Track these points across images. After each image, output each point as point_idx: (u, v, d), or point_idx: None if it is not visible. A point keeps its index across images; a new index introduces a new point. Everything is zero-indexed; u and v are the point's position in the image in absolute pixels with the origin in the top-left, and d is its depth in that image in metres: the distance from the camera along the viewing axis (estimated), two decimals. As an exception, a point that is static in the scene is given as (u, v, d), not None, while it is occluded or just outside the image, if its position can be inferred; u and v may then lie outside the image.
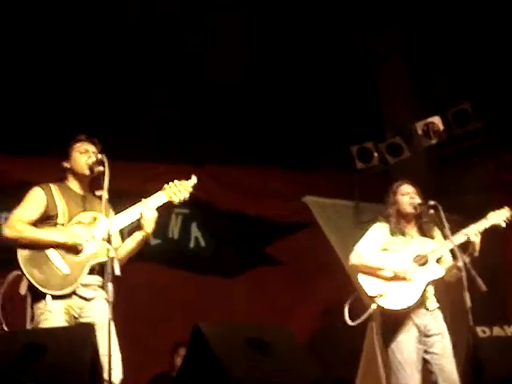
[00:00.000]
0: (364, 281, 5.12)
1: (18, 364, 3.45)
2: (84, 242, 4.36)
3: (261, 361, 3.71)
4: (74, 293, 4.32)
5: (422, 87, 8.13)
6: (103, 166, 4.37)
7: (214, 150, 7.47)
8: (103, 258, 4.17)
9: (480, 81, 7.77)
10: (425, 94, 8.07)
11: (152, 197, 4.50)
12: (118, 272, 4.26)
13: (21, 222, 4.37)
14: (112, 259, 4.11)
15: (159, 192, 4.52)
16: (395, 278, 5.08)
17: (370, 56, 8.42)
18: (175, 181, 4.56)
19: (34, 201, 4.45)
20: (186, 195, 4.54)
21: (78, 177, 4.57)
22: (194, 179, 4.60)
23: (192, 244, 8.60)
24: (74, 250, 4.35)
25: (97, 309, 4.28)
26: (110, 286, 4.06)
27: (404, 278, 5.05)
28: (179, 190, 4.52)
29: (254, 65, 8.19)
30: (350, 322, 5.10)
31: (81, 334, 3.74)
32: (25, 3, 7.18)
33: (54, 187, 4.52)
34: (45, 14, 7.31)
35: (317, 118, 8.29)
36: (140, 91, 7.84)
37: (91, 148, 4.57)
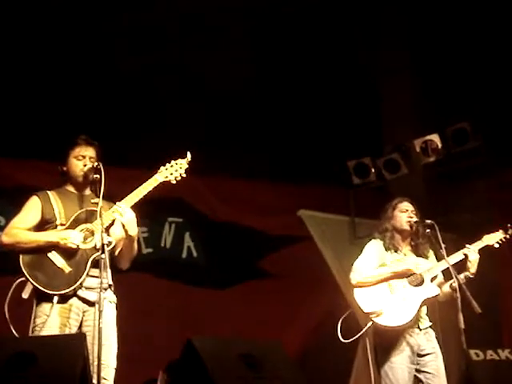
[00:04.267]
0: (359, 297, 5.09)
1: (6, 372, 3.40)
2: (75, 245, 4.34)
3: (252, 377, 3.67)
4: (77, 295, 4.32)
5: (423, 105, 8.13)
6: (99, 173, 4.37)
7: (210, 161, 7.43)
8: (102, 255, 4.14)
9: (480, 100, 7.77)
10: (425, 112, 8.07)
11: (146, 183, 4.49)
12: (110, 281, 4.30)
13: (16, 228, 4.46)
14: (105, 268, 4.13)
15: (155, 175, 4.51)
16: (400, 275, 5.06)
17: (374, 71, 8.43)
18: (171, 161, 4.57)
19: (30, 208, 4.53)
20: (183, 172, 4.54)
21: (75, 180, 4.58)
22: (188, 156, 4.59)
23: (184, 254, 8.54)
24: (69, 251, 4.35)
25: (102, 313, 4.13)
26: (101, 295, 4.07)
27: (409, 273, 5.02)
28: (175, 170, 4.54)
29: (253, 75, 8.20)
30: (342, 340, 5.07)
31: (72, 343, 3.69)
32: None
33: (50, 193, 4.58)
34: (44, 18, 7.33)
35: (315, 132, 8.28)
36: (141, 98, 7.83)
37: (89, 152, 4.57)
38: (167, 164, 4.56)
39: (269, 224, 8.48)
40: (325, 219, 7.91)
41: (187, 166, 4.56)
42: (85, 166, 4.50)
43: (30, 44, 7.37)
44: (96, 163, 4.45)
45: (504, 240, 5.16)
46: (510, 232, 5.16)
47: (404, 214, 5.26)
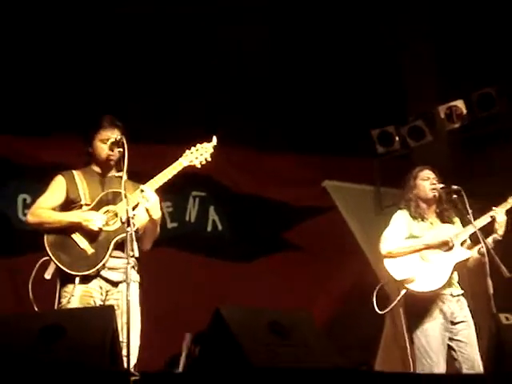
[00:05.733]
0: (390, 266, 5.07)
1: (38, 344, 3.43)
2: (97, 227, 4.34)
3: (281, 345, 3.66)
4: (100, 276, 4.34)
5: (446, 71, 8.02)
6: (122, 147, 4.37)
7: (234, 134, 7.43)
8: (128, 229, 4.14)
9: (505, 64, 7.65)
10: (450, 78, 7.96)
11: (170, 166, 4.48)
12: (136, 253, 4.29)
13: (41, 208, 4.50)
14: (131, 242, 4.13)
15: (180, 159, 4.50)
16: (434, 247, 5.05)
17: (396, 39, 8.34)
18: (197, 145, 4.55)
19: (55, 188, 4.56)
20: (208, 157, 4.53)
21: (100, 162, 4.60)
22: (214, 140, 4.57)
23: (209, 227, 8.54)
24: (92, 232, 4.36)
25: (124, 293, 4.16)
26: (128, 268, 4.08)
27: (446, 244, 5.00)
28: (200, 154, 4.52)
29: (274, 48, 8.14)
30: (379, 311, 5.06)
31: (101, 316, 3.70)
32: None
33: (76, 172, 4.60)
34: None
35: (338, 101, 8.21)
36: (157, 72, 7.81)
37: (113, 134, 4.54)
38: (192, 147, 4.54)
39: (293, 195, 8.44)
40: (349, 189, 7.89)
41: (212, 151, 4.54)
42: (111, 150, 4.49)
43: (53, 17, 7.36)
44: (119, 137, 4.45)
45: None
46: None
47: (426, 181, 5.23)
